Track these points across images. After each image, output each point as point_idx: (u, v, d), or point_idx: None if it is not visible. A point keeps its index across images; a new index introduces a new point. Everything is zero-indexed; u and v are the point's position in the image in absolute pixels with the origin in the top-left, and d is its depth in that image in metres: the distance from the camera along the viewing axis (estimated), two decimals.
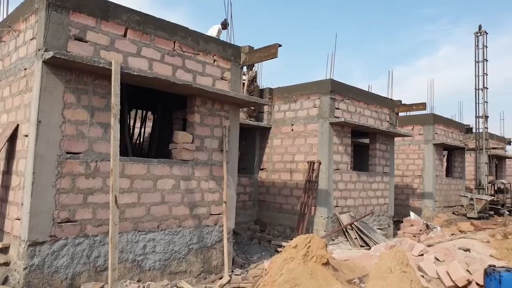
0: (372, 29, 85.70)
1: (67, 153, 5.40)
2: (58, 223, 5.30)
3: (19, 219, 5.27)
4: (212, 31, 11.94)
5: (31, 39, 5.55)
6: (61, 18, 5.33)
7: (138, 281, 6.06)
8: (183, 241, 6.71)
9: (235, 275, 7.05)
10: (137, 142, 11.03)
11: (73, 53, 5.33)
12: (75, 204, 5.46)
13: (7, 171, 5.90)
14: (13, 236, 5.44)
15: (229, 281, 6.70)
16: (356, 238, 10.07)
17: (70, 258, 5.39)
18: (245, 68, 11.12)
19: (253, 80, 12.19)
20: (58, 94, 5.32)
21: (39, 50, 5.22)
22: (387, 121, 12.40)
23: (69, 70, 5.42)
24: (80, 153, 5.53)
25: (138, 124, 11.50)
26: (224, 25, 12.13)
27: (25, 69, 5.62)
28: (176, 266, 6.59)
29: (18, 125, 5.70)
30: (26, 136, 5.36)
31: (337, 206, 10.56)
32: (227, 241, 7.15)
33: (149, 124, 11.89)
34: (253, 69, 12.41)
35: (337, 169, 10.64)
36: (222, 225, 7.21)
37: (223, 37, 11.91)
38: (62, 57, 5.03)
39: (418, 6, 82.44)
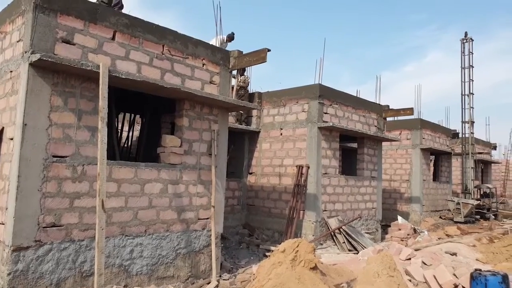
0: (361, 34, 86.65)
1: (54, 156, 5.33)
2: (43, 227, 5.22)
3: (3, 224, 5.18)
4: (216, 42, 11.80)
5: (17, 41, 5.47)
6: (49, 21, 5.28)
7: (125, 286, 5.99)
8: (171, 246, 6.66)
9: (223, 280, 7.03)
10: (125, 145, 10.95)
11: (60, 56, 5.27)
12: (61, 208, 5.39)
13: None
14: None
15: (217, 286, 6.67)
16: (344, 242, 10.11)
17: (55, 263, 5.31)
18: (234, 72, 11.12)
19: (245, 87, 12.18)
20: (45, 97, 5.26)
21: (25, 52, 5.15)
22: (375, 126, 12.50)
23: (56, 72, 5.36)
24: (66, 156, 5.46)
25: (126, 128, 11.42)
26: (230, 38, 12.06)
27: (11, 71, 5.54)
28: (163, 271, 6.53)
29: (3, 128, 5.61)
30: (11, 139, 5.28)
31: (325, 210, 10.59)
32: (215, 245, 7.11)
33: (137, 127, 11.81)
34: (245, 73, 12.40)
35: (326, 173, 10.68)
36: (210, 230, 7.18)
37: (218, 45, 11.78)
38: (49, 59, 4.97)
39: (409, 12, 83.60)
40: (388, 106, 13.00)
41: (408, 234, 12.27)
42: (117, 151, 8.20)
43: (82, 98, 5.63)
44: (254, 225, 11.55)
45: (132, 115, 11.05)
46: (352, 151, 14.80)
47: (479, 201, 16.98)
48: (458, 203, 15.54)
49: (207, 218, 7.19)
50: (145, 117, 9.81)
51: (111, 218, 5.87)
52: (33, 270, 5.12)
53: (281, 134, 11.42)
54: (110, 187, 5.85)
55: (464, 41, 17.28)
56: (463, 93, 17.19)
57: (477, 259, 8.92)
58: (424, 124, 16.14)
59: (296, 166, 10.53)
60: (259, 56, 7.22)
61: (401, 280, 5.71)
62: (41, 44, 5.19)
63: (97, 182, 5.24)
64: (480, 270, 5.95)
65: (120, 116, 11.17)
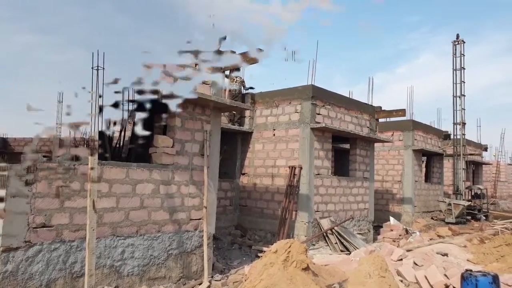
0: (355, 36, 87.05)
1: (44, 156, 5.28)
2: (33, 228, 5.16)
3: None
4: None
5: None
6: None
7: (116, 287, 5.95)
8: (163, 247, 6.62)
9: (215, 280, 7.01)
10: (117, 145, 10.86)
11: None
12: (51, 208, 5.33)
13: None
14: None
15: (208, 287, 6.65)
16: (336, 243, 10.13)
17: (45, 264, 5.26)
18: (227, 72, 11.10)
19: (240, 93, 12.15)
20: None
21: None
22: (367, 127, 12.55)
23: None
24: (57, 156, 5.41)
25: (117, 128, 11.32)
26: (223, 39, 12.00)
27: None
28: (155, 272, 6.49)
29: None
30: None
31: (317, 211, 10.61)
32: (207, 246, 7.09)
33: (129, 127, 11.72)
34: (241, 74, 12.36)
35: (318, 174, 10.70)
36: (202, 230, 7.15)
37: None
38: None
39: (402, 14, 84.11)
40: (381, 107, 13.08)
41: (400, 235, 12.33)
42: (108, 151, 8.13)
43: None
44: (247, 225, 11.54)
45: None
46: (345, 152, 14.84)
47: (470, 202, 17.10)
48: (449, 204, 15.65)
49: (199, 219, 7.16)
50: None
51: (102, 219, 5.82)
52: (23, 271, 5.06)
53: (274, 134, 11.42)
54: (102, 187, 5.81)
55: (456, 43, 17.40)
56: (454, 95, 17.30)
57: (468, 260, 8.99)
58: (416, 125, 16.24)
59: (289, 167, 10.53)
60: (252, 57, 7.21)
61: (392, 280, 5.73)
62: None
63: (88, 182, 5.20)
64: (470, 270, 6.00)
65: None
